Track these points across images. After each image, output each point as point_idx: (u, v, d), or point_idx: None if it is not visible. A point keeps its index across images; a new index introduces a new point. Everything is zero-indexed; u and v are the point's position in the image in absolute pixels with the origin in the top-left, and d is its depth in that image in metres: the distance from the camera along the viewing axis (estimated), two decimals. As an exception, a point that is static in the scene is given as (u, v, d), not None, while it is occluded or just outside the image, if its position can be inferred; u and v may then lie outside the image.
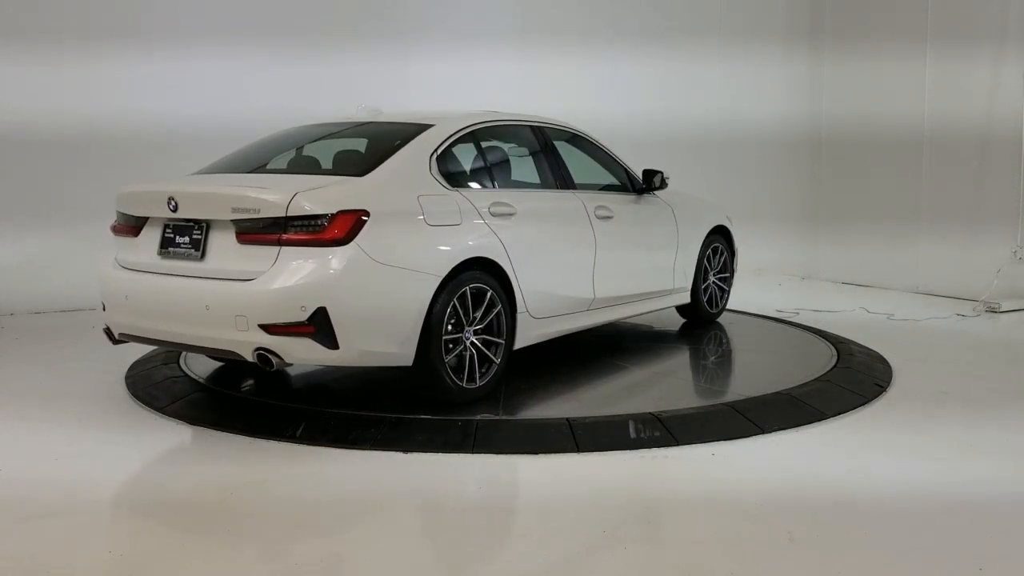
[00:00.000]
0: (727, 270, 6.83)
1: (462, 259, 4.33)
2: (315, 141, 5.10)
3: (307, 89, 8.10)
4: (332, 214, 3.94)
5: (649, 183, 5.91)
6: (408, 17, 8.85)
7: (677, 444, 3.94)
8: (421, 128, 4.71)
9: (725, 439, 4.01)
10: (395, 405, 4.55)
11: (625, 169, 5.93)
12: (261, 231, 3.98)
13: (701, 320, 6.65)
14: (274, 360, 3.95)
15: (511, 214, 4.71)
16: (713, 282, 6.65)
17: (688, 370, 5.60)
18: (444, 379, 4.27)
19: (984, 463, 3.79)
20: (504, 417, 4.25)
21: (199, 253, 4.15)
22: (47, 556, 2.87)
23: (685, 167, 8.94)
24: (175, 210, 4.19)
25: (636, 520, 3.23)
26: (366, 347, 4.04)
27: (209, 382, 4.86)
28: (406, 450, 3.86)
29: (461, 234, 4.41)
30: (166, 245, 4.29)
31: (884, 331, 6.65)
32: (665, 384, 5.11)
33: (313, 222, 3.93)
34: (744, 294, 8.45)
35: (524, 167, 5.34)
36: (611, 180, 5.86)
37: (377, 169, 4.36)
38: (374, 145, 4.80)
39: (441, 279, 4.21)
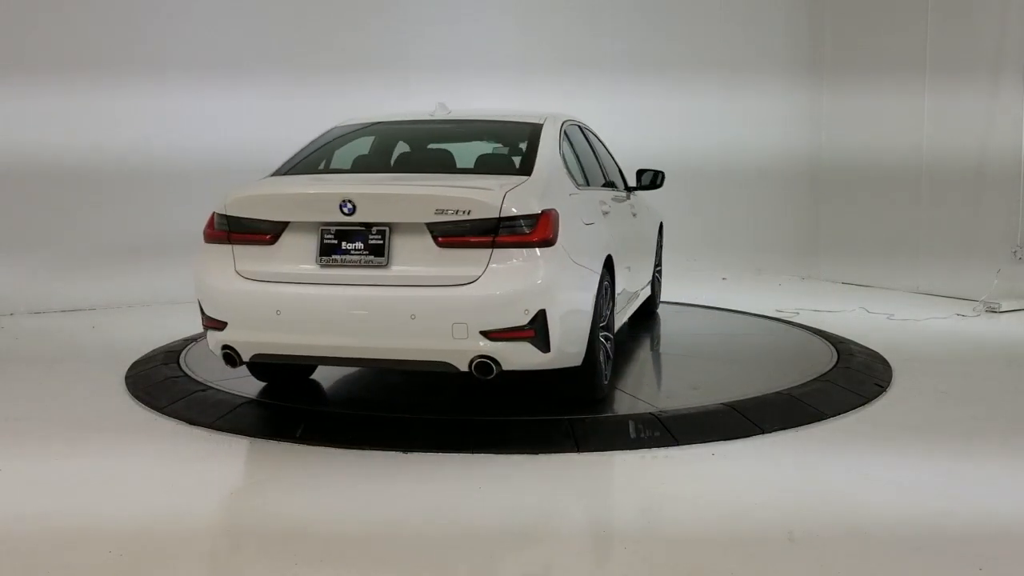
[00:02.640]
0: (659, 263, 7.15)
1: (605, 256, 4.36)
2: (422, 139, 4.99)
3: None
4: (537, 214, 3.86)
5: (639, 182, 5.98)
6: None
7: (677, 444, 3.93)
8: (536, 126, 4.67)
9: (725, 439, 4.01)
10: (395, 405, 4.56)
11: (619, 169, 6.04)
12: (470, 233, 3.79)
13: (649, 311, 6.91)
14: (495, 368, 3.82)
15: (608, 212, 4.79)
16: (655, 275, 6.91)
17: (688, 370, 5.59)
18: (599, 376, 4.28)
19: (984, 463, 3.79)
20: (503, 417, 4.24)
21: (383, 259, 3.87)
22: (47, 556, 2.86)
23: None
24: (351, 213, 3.85)
25: (636, 520, 3.23)
26: (565, 348, 3.96)
27: (208, 382, 4.85)
28: (406, 450, 3.86)
29: (600, 232, 4.45)
30: (329, 252, 3.92)
31: (884, 331, 6.65)
32: (665, 383, 5.11)
33: (521, 222, 3.82)
34: (744, 294, 8.46)
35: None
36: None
37: (536, 168, 4.27)
38: (508, 143, 4.75)
39: (599, 276, 4.22)
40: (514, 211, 3.80)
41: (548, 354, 3.86)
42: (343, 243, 3.91)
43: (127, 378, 5.13)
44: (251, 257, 4.03)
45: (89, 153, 7.62)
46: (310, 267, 3.94)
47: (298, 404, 4.49)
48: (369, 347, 3.88)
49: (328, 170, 4.67)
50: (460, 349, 3.78)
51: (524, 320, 3.77)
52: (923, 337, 6.52)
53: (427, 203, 3.83)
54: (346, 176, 4.52)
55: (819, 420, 4.31)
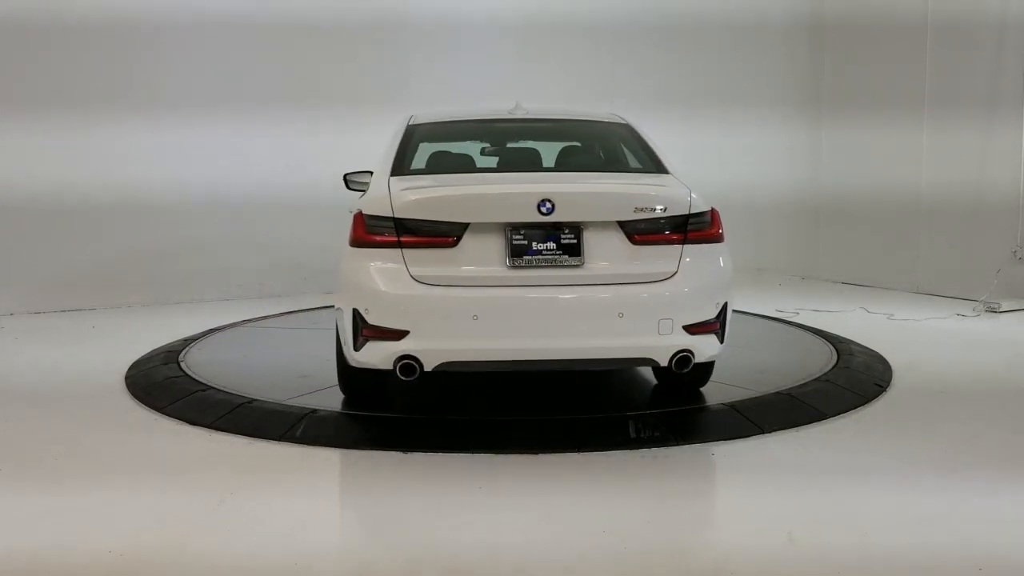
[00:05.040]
0: None
1: None
2: (542, 137, 5.09)
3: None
4: (710, 210, 4.07)
5: None
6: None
7: (677, 444, 3.93)
8: (626, 125, 4.83)
9: (725, 439, 4.01)
10: (394, 405, 4.55)
11: None
12: (664, 231, 3.97)
13: None
14: (692, 360, 3.93)
15: None
16: None
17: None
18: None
19: (983, 463, 3.79)
20: (504, 417, 4.24)
21: (578, 258, 3.90)
22: (47, 556, 2.87)
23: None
24: (549, 212, 3.85)
25: (635, 520, 3.23)
26: (726, 340, 4.12)
27: (207, 382, 4.85)
28: (406, 450, 3.86)
29: None
30: (519, 253, 3.88)
31: (884, 331, 6.65)
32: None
33: (703, 218, 4.02)
34: (744, 294, 8.46)
35: None
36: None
37: (668, 166, 4.44)
38: (623, 143, 4.83)
39: None
40: (698, 208, 4.03)
41: (722, 345, 4.06)
42: (534, 243, 3.90)
43: (127, 378, 5.13)
44: (428, 261, 3.87)
45: (93, 168, 7.67)
46: (499, 269, 3.89)
47: (298, 404, 4.48)
48: (571, 348, 3.90)
49: (466, 169, 4.66)
50: (664, 344, 3.89)
51: (714, 313, 3.97)
52: (923, 337, 6.52)
53: (628, 201, 3.97)
54: (530, 175, 4.48)
55: (819, 420, 4.31)
